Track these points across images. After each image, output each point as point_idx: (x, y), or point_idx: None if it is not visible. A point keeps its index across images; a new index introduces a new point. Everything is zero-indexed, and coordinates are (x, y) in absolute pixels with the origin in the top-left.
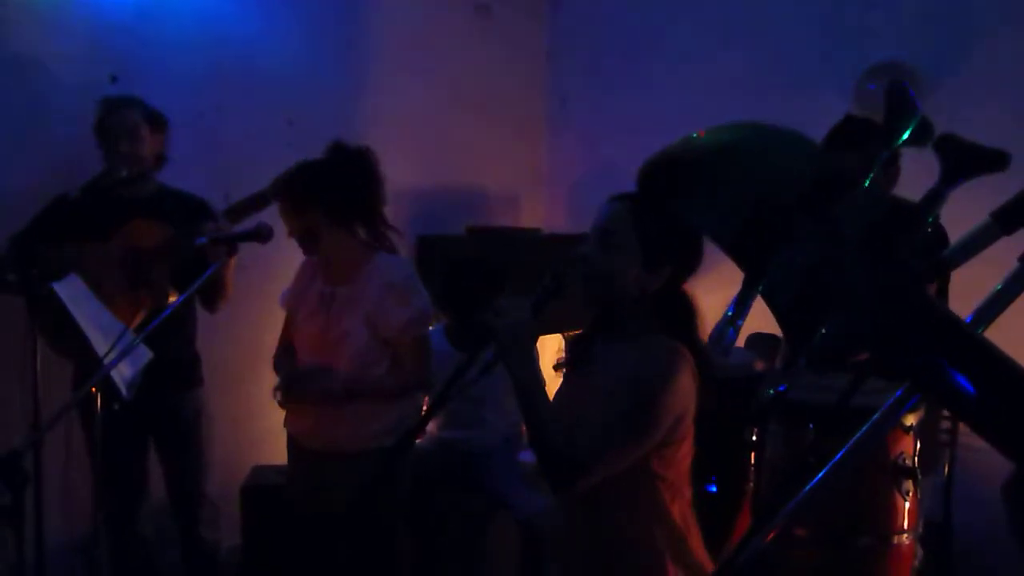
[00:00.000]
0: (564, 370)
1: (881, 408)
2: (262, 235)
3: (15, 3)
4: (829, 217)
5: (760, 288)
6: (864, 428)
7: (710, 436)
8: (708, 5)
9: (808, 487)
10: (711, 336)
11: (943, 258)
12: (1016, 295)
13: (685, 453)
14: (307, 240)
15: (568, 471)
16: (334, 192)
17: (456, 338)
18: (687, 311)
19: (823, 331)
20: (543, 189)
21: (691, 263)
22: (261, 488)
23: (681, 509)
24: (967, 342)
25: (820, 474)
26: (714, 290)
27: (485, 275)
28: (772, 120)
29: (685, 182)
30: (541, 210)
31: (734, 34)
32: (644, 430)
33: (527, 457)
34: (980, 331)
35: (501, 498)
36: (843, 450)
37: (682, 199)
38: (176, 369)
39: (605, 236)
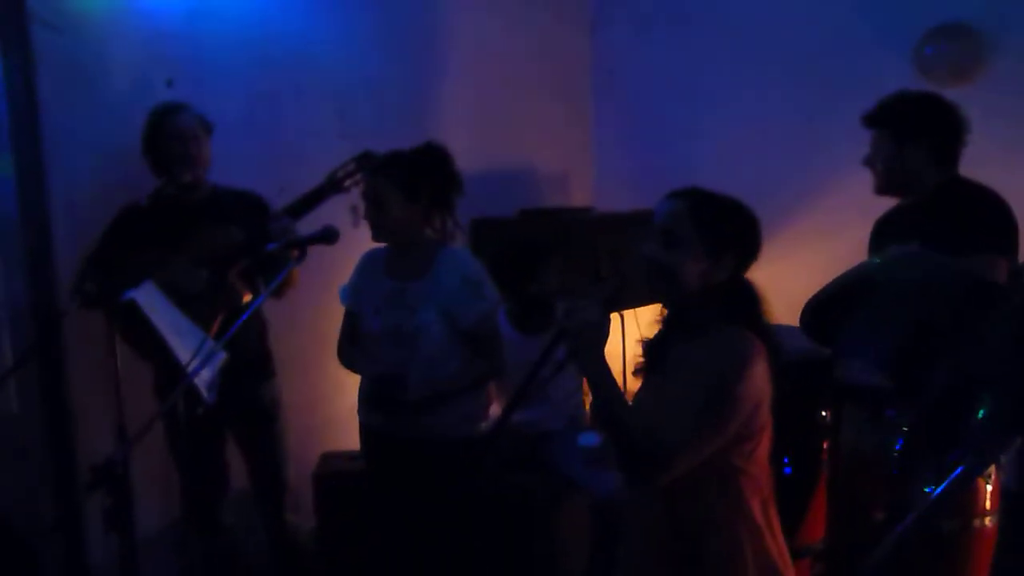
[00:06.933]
0: (643, 373)
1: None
2: (330, 238)
3: (71, 13)
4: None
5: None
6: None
7: (783, 418)
8: None
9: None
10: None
11: None
12: None
13: (764, 446)
14: (390, 229)
15: (648, 467)
16: (437, 185)
17: (518, 321)
18: (753, 299)
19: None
20: (592, 167)
21: (751, 251)
22: (333, 474)
23: (763, 504)
24: None
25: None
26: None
27: (530, 253)
28: (827, 84)
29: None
30: (591, 188)
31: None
32: (721, 421)
33: (587, 441)
34: None
35: (570, 479)
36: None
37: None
38: (251, 364)
39: (666, 234)
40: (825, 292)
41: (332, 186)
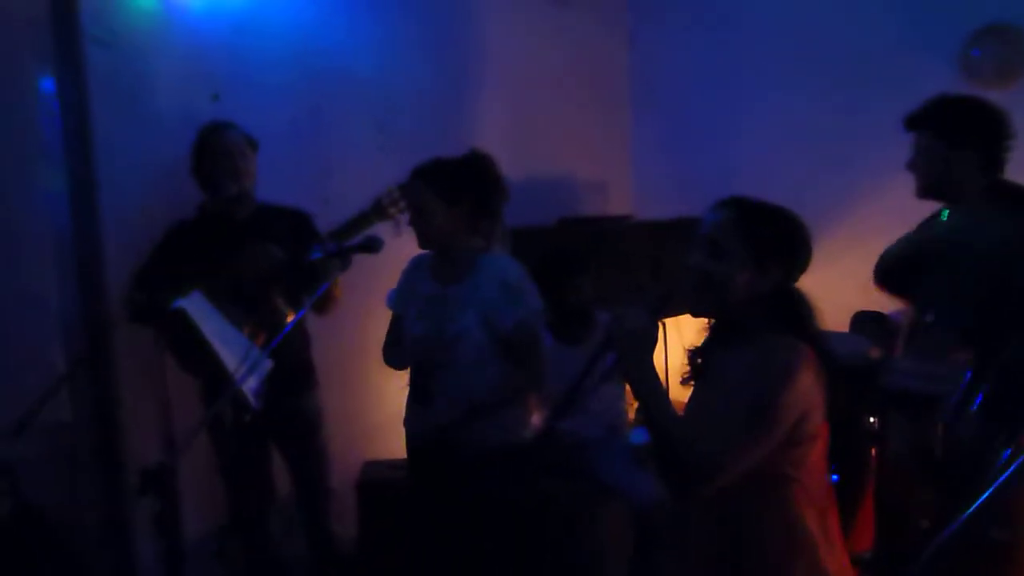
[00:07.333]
0: (690, 383)
1: None
2: (373, 247)
3: (120, 30)
4: None
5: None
6: None
7: (830, 425)
8: None
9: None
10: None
11: None
12: None
13: (818, 456)
14: (433, 235)
15: (691, 478)
16: (479, 191)
17: (556, 331)
18: (803, 308)
19: None
20: (631, 175)
21: (801, 262)
22: (375, 483)
23: (819, 514)
24: None
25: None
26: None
27: (567, 262)
28: (869, 87)
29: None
30: (630, 196)
31: (827, 1)
32: (763, 432)
33: (638, 438)
34: None
35: (611, 486)
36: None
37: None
38: (294, 375)
39: (712, 244)
40: (899, 247)
41: (377, 213)
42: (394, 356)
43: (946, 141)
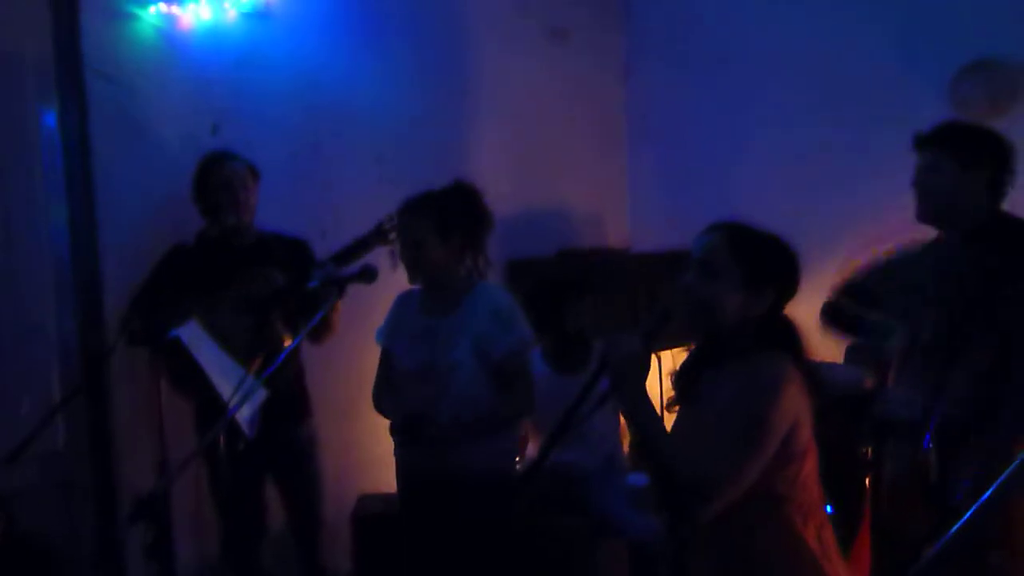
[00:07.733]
0: (676, 406)
1: None
2: (369, 276)
3: (123, 63)
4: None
5: None
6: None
7: (823, 454)
8: (789, 8)
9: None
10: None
11: None
12: None
13: (810, 471)
14: (428, 269)
15: (690, 501)
16: (468, 223)
17: (554, 359)
18: (791, 334)
19: None
20: (627, 208)
21: (790, 285)
22: (371, 516)
23: (818, 532)
24: None
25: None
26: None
27: (564, 289)
28: (862, 121)
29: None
30: (626, 229)
31: (819, 36)
32: (758, 448)
33: (635, 481)
34: None
35: (607, 519)
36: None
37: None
38: (288, 403)
39: (703, 266)
40: (846, 286)
41: (377, 237)
42: (379, 401)
43: (957, 161)
